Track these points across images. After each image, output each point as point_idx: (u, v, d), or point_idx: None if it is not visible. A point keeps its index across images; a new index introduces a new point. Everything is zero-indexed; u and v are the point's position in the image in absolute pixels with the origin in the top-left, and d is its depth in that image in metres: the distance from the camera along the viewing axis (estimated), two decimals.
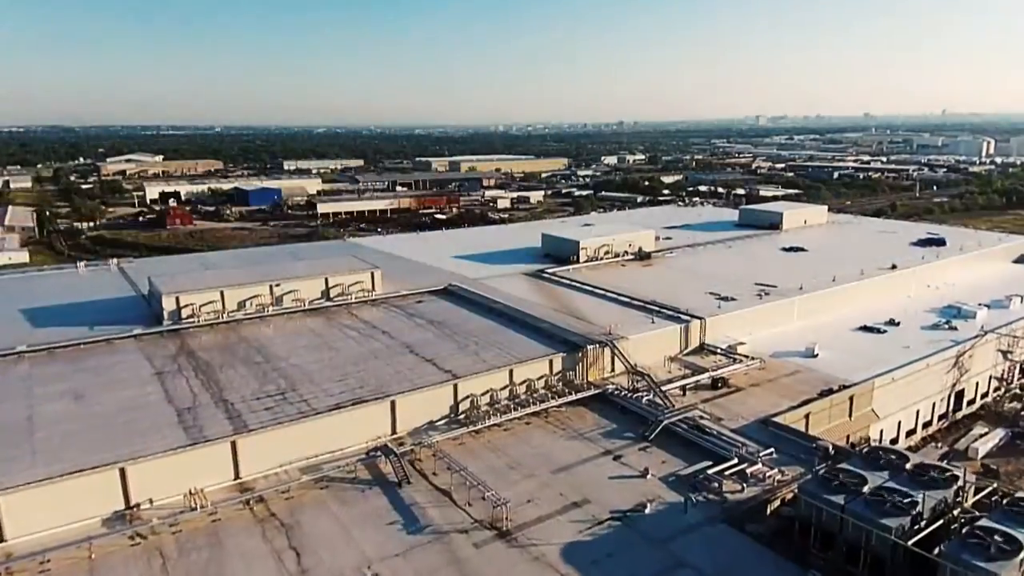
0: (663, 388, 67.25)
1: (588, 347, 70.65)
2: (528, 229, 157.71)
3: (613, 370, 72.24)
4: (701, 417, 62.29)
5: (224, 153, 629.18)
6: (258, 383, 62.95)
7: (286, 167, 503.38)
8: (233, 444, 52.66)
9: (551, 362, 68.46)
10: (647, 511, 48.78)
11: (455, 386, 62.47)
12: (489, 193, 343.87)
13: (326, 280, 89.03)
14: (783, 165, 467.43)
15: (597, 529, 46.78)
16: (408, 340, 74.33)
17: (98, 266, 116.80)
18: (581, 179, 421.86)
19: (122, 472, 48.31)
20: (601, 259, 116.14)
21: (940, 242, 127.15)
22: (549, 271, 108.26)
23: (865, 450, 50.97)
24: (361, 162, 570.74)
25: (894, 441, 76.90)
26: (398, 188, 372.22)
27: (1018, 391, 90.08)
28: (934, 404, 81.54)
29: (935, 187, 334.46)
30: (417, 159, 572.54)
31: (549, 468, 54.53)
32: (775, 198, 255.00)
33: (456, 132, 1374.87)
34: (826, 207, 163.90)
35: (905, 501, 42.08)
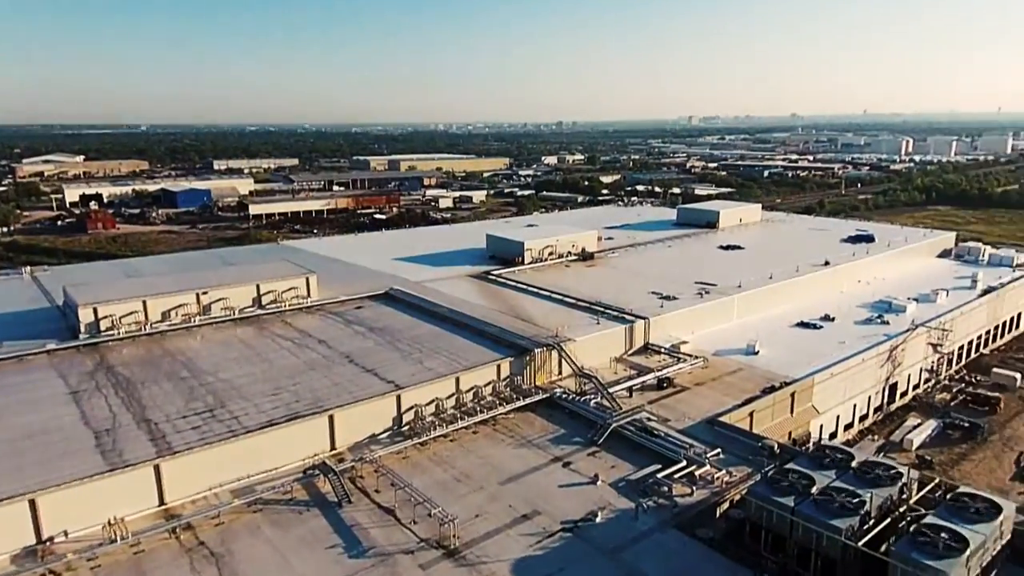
0: (610, 390, 66.57)
1: (535, 350, 69.33)
2: (471, 230, 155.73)
3: (560, 373, 71.16)
4: (648, 419, 61.78)
5: (150, 153, 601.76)
6: (184, 400, 58.86)
7: (216, 167, 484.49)
8: (157, 468, 48.78)
9: (498, 367, 66.79)
10: (598, 520, 47.67)
11: (398, 397, 60.02)
12: (430, 192, 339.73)
13: (258, 287, 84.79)
14: (716, 164, 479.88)
15: (548, 542, 45.31)
16: (347, 349, 71.24)
17: (9, 275, 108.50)
18: (523, 179, 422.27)
19: (32, 503, 44.00)
20: (546, 260, 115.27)
21: (869, 239, 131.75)
22: (494, 273, 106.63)
23: (811, 449, 51.28)
24: (296, 161, 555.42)
25: (833, 435, 78.71)
26: (335, 188, 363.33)
27: (947, 383, 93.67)
28: (869, 397, 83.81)
29: (859, 184, 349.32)
30: (355, 158, 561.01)
31: (498, 479, 52.81)
32: (710, 197, 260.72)
33: (395, 131, 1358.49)
34: (760, 205, 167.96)
35: (854, 501, 42.24)
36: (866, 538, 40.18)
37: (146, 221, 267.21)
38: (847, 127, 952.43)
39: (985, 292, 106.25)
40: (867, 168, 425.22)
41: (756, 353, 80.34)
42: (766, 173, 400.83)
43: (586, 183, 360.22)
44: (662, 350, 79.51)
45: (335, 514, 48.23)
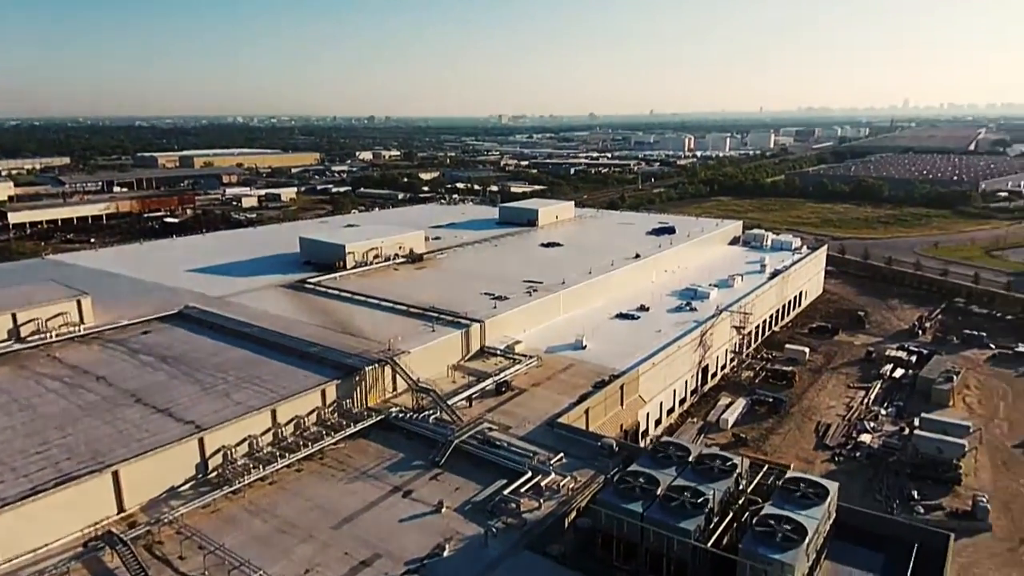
0: (449, 401, 62.89)
1: (365, 368, 63.46)
2: (282, 232, 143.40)
3: (395, 390, 66.03)
4: (490, 429, 59.07)
5: None
6: None
7: None
8: None
9: (323, 392, 59.97)
10: (446, 553, 43.77)
11: (201, 440, 51.20)
12: (231, 191, 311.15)
13: (14, 316, 69.54)
14: (527, 162, 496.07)
15: None
16: (133, 386, 60.06)
17: None
18: (337, 175, 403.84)
19: None
20: (371, 263, 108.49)
21: (671, 230, 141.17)
22: (311, 281, 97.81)
23: (651, 447, 51.50)
24: (67, 160, 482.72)
25: (658, 421, 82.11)
26: (116, 189, 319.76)
27: (750, 361, 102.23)
28: (686, 382, 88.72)
29: (653, 179, 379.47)
30: (139, 154, 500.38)
31: (330, 523, 46.69)
32: (525, 194, 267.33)
33: (187, 124, 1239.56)
34: (573, 203, 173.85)
35: (698, 500, 42.49)
36: (713, 537, 40.45)
37: None
38: (637, 126, 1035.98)
39: (773, 275, 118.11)
40: (658, 164, 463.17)
41: (584, 347, 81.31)
42: (572, 170, 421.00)
43: (405, 180, 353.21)
44: (498, 352, 77.43)
45: None
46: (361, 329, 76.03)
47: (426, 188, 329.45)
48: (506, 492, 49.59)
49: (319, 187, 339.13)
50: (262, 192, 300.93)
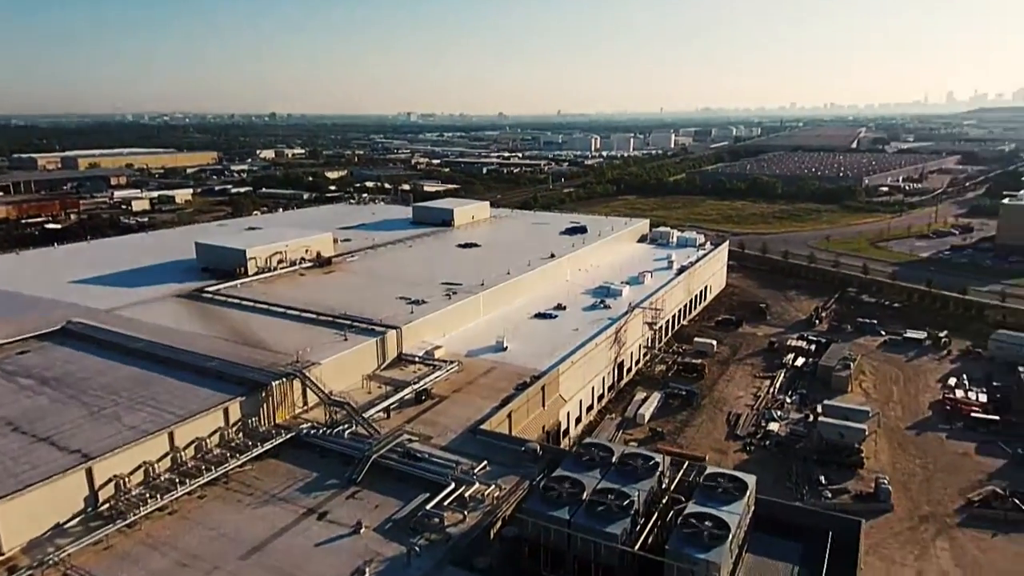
0: (365, 414, 60.20)
1: (272, 383, 59.72)
2: (177, 237, 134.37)
3: (306, 404, 62.62)
4: (410, 441, 56.99)
5: None
6: None
7: None
8: None
9: (226, 411, 55.90)
10: None
11: (89, 470, 46.39)
12: (120, 194, 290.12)
13: None
14: (439, 161, 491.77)
15: None
16: (9, 413, 53.91)
17: None
18: (236, 175, 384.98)
19: None
20: (275, 269, 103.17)
21: (582, 230, 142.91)
22: (210, 289, 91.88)
23: (575, 449, 51.05)
24: None
25: (578, 420, 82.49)
26: None
27: (662, 355, 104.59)
28: (604, 378, 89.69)
29: (563, 179, 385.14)
30: (15, 155, 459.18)
31: (238, 553, 43.33)
32: (439, 194, 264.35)
33: (69, 122, 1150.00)
34: (488, 202, 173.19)
35: (624, 503, 42.28)
36: (640, 540, 40.31)
37: None
38: (546, 126, 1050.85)
39: (680, 271, 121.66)
40: (567, 164, 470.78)
41: (505, 349, 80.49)
42: (485, 170, 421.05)
43: (311, 179, 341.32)
44: (417, 359, 75.19)
45: None
46: (266, 340, 71.78)
47: (333, 187, 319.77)
48: (428, 506, 47.79)
49: (217, 188, 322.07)
50: (154, 194, 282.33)
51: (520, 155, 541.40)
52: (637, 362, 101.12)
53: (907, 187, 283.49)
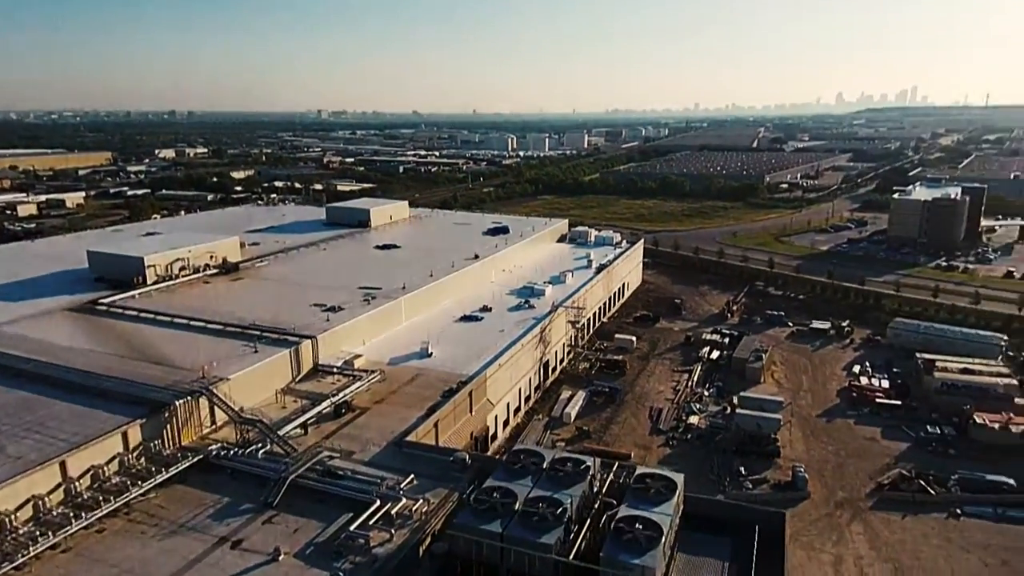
0: (280, 431, 56.73)
1: (177, 402, 55.24)
2: (68, 245, 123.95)
3: (215, 424, 58.41)
4: (330, 457, 54.14)
5: None
6: None
7: None
8: None
9: (125, 435, 51.20)
10: None
11: None
12: (3, 198, 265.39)
13: None
14: (352, 159, 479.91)
15: None
16: None
17: None
18: (133, 176, 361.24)
19: None
20: (177, 277, 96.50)
21: (505, 230, 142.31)
22: (105, 301, 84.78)
23: (505, 458, 49.74)
24: None
25: (507, 423, 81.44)
26: None
27: (585, 353, 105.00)
28: (530, 379, 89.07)
29: (482, 178, 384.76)
30: None
31: None
32: (353, 193, 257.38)
33: None
34: (407, 202, 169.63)
35: (557, 510, 41.38)
36: (574, 548, 39.52)
37: None
38: (462, 125, 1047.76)
39: (600, 269, 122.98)
40: (485, 163, 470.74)
41: (430, 355, 78.41)
42: (402, 168, 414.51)
43: (215, 179, 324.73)
44: (335, 370, 71.80)
45: None
46: (169, 356, 66.62)
47: (240, 188, 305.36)
48: (352, 527, 45.40)
49: (112, 190, 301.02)
50: (42, 198, 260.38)
51: (437, 154, 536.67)
52: (562, 361, 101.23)
53: (805, 184, 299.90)
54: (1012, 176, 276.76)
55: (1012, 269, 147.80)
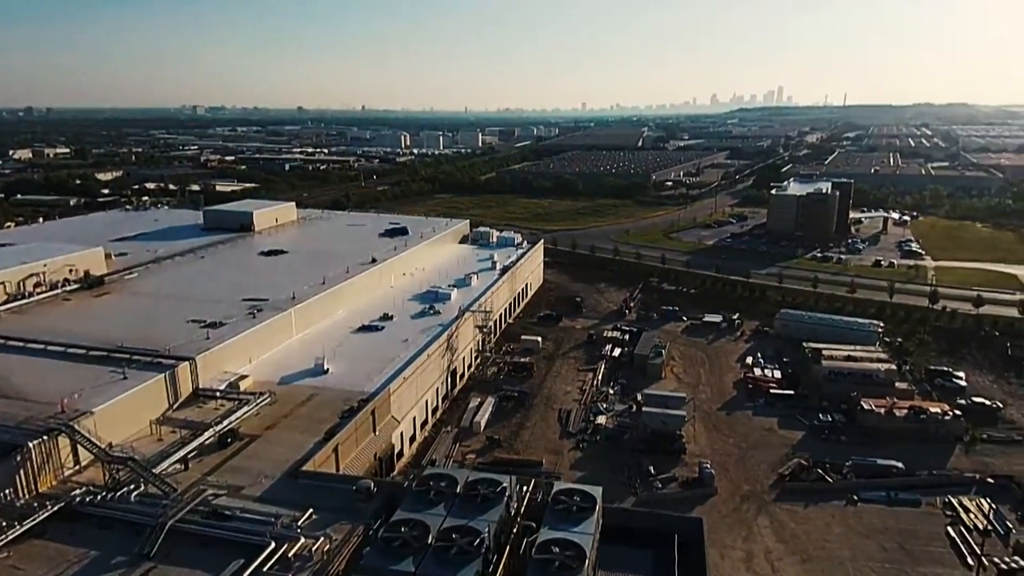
0: (156, 469, 50.37)
1: (31, 443, 47.70)
2: None
3: (78, 465, 51.05)
4: (216, 495, 48.54)
5: None
6: None
7: None
8: None
9: None
10: None
11: None
12: None
13: None
14: (233, 157, 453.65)
15: None
16: None
17: None
18: None
19: None
20: (31, 295, 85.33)
21: (403, 231, 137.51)
22: None
23: (414, 485, 46.18)
24: None
25: (413, 439, 77.54)
26: None
27: (493, 357, 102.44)
28: (437, 389, 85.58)
29: (375, 176, 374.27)
30: None
31: None
32: (235, 194, 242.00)
33: None
34: (294, 204, 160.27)
35: (473, 541, 38.50)
36: None
37: None
38: (350, 121, 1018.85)
39: (504, 271, 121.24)
40: (378, 161, 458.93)
41: (326, 372, 73.29)
42: (288, 166, 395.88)
43: (78, 182, 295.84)
44: (218, 394, 65.23)
45: None
46: (20, 387, 57.98)
47: (106, 191, 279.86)
48: (245, 575, 40.39)
49: None
50: None
51: (326, 151, 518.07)
52: (469, 366, 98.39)
53: (688, 181, 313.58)
54: (872, 171, 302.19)
55: (880, 258, 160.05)
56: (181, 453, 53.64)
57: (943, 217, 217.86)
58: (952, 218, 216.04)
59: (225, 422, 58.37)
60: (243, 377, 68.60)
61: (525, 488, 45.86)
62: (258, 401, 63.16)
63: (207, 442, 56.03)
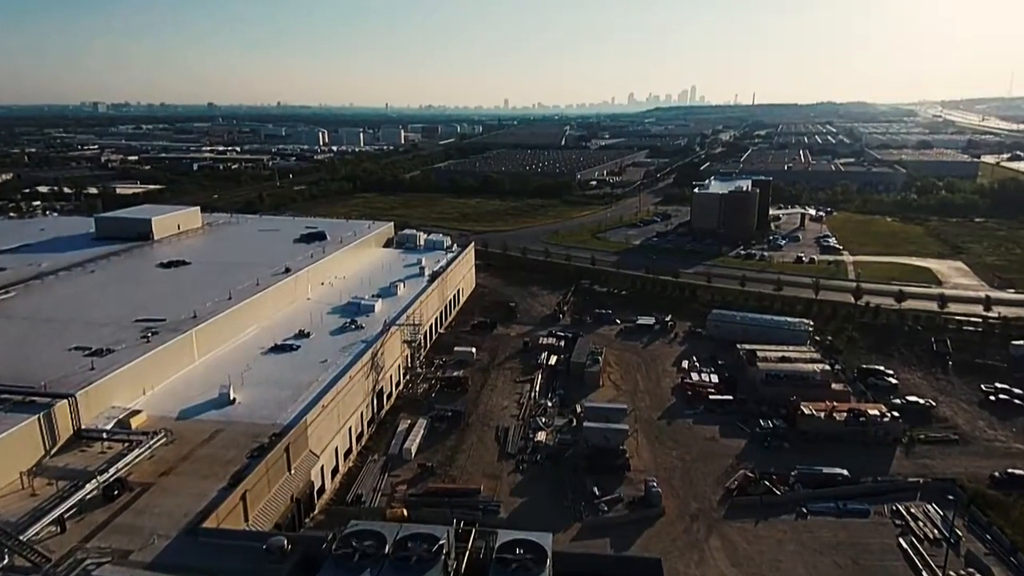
0: (26, 533, 42.14)
1: None
2: None
3: None
4: (99, 564, 40.83)
5: None
6: None
7: None
8: None
9: None
10: None
11: None
12: None
13: None
14: (136, 157, 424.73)
15: None
16: None
17: None
18: None
19: None
20: None
21: (321, 236, 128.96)
22: None
23: (335, 546, 39.83)
24: None
25: (335, 471, 70.38)
26: None
27: (425, 373, 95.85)
28: (362, 413, 78.63)
29: (292, 176, 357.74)
30: None
31: None
32: (137, 197, 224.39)
33: None
34: (199, 208, 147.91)
35: None
36: None
37: None
38: (265, 117, 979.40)
39: (433, 277, 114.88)
40: (294, 159, 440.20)
41: (232, 402, 65.51)
42: (196, 166, 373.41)
43: None
44: (105, 435, 56.43)
45: None
46: None
47: None
48: None
49: None
50: None
51: (238, 149, 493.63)
52: (397, 384, 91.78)
53: (611, 180, 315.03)
54: (786, 167, 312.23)
55: (800, 254, 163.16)
56: (56, 512, 45.34)
57: (854, 212, 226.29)
58: (863, 213, 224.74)
59: (111, 470, 50.13)
60: (135, 413, 59.96)
61: (465, 541, 40.47)
62: (151, 442, 54.96)
63: (89, 495, 47.78)
